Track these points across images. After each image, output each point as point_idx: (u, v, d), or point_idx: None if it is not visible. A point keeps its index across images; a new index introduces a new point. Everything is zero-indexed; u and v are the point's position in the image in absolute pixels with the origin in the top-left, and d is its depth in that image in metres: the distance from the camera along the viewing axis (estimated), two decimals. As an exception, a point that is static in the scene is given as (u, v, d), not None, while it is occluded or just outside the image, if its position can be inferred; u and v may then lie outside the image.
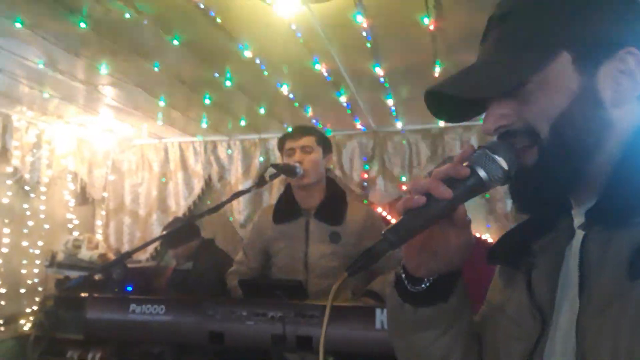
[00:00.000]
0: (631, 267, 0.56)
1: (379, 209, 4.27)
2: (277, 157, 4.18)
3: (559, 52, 0.64)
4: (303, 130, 2.30)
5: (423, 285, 0.75)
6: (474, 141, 4.12)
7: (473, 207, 4.22)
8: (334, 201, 2.20)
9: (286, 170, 2.07)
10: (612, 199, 0.62)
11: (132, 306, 1.82)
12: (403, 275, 0.78)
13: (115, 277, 2.51)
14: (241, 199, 4.52)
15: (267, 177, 2.01)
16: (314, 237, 2.16)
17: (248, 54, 2.76)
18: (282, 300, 1.75)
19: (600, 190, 0.64)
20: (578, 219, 0.69)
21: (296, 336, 1.66)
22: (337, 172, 4.33)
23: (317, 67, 2.97)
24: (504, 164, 0.67)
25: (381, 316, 1.66)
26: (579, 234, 0.67)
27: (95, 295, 1.88)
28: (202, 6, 2.28)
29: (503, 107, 0.68)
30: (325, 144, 2.32)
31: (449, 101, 0.73)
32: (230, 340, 1.71)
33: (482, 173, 0.67)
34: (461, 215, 0.70)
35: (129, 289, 3.19)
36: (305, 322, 1.68)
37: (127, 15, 2.30)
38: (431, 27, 2.48)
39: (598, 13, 0.64)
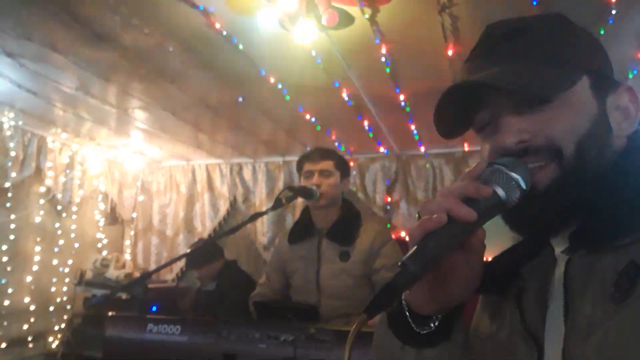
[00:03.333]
0: (615, 290, 0.56)
1: (402, 233, 4.25)
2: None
3: (581, 75, 0.64)
4: (322, 153, 2.33)
5: (432, 325, 0.66)
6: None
7: (501, 232, 4.12)
8: (347, 221, 2.20)
9: (303, 192, 2.09)
10: (594, 223, 0.62)
11: (150, 326, 1.85)
12: (407, 314, 0.68)
13: (136, 295, 2.56)
14: (265, 221, 4.58)
15: (283, 200, 2.04)
16: (325, 256, 2.17)
17: (270, 79, 2.83)
18: (294, 323, 1.76)
19: (582, 215, 0.64)
20: (559, 244, 0.68)
21: None
22: (360, 195, 4.34)
23: (338, 91, 3.01)
24: (522, 182, 0.62)
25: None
26: (562, 260, 0.66)
27: (114, 313, 1.92)
28: (224, 33, 2.36)
29: (522, 121, 0.64)
30: (343, 168, 2.34)
31: (452, 111, 0.70)
32: (243, 362, 1.72)
33: (500, 192, 0.61)
34: (480, 239, 0.63)
35: (154, 309, 3.25)
36: (317, 347, 1.68)
37: (153, 42, 2.39)
38: (449, 53, 2.50)
39: (600, 48, 0.68)
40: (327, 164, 2.27)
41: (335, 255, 2.13)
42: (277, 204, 2.03)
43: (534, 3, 2.07)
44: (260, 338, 1.74)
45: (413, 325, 0.67)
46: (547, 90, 0.63)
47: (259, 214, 2.15)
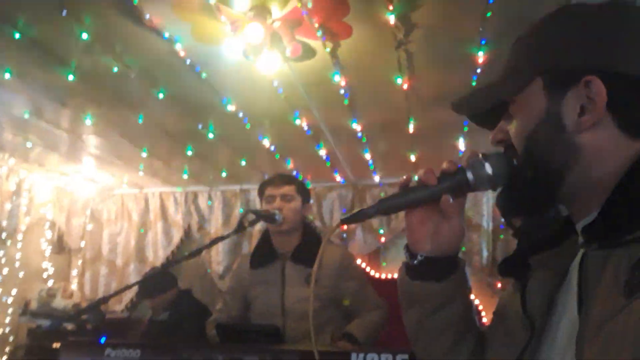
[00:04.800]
0: (627, 284, 0.57)
1: (358, 260, 4.31)
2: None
3: (533, 77, 0.70)
4: (284, 179, 2.37)
5: (419, 257, 0.82)
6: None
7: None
8: (310, 244, 2.24)
9: (265, 216, 2.12)
10: (607, 216, 0.63)
11: (108, 350, 1.81)
12: (405, 249, 0.86)
13: (90, 323, 2.47)
14: (220, 249, 4.54)
15: (246, 224, 2.06)
16: (290, 280, 2.18)
17: (231, 107, 2.88)
18: (258, 345, 1.77)
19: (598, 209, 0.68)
20: (580, 237, 0.72)
21: (271, 382, 1.67)
22: (317, 224, 4.39)
23: (298, 121, 3.09)
24: (489, 170, 0.75)
25: (356, 361, 1.69)
26: (580, 252, 0.70)
27: (71, 339, 1.87)
28: (188, 62, 2.40)
29: (504, 123, 0.76)
30: (304, 193, 2.39)
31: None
32: (205, 386, 1.71)
33: (469, 174, 0.76)
34: (445, 204, 0.78)
35: (103, 339, 3.14)
36: (281, 368, 1.69)
37: (115, 69, 2.40)
38: (405, 87, 2.63)
39: (568, 37, 0.69)
40: (289, 189, 2.31)
41: (300, 278, 2.15)
42: (240, 228, 2.04)
43: (482, 42, 2.23)
44: (223, 361, 1.73)
45: (406, 257, 0.85)
46: (493, 97, 0.76)
47: (221, 238, 2.15)
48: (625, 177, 0.64)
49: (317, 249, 2.32)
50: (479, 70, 2.43)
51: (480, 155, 0.76)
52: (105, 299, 2.00)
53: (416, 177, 0.82)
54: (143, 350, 1.78)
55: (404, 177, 0.83)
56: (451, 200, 0.78)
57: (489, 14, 2.04)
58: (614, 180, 0.64)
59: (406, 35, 2.22)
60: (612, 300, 0.57)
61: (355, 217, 0.82)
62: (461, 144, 3.41)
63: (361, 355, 1.70)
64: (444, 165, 0.79)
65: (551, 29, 0.72)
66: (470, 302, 0.88)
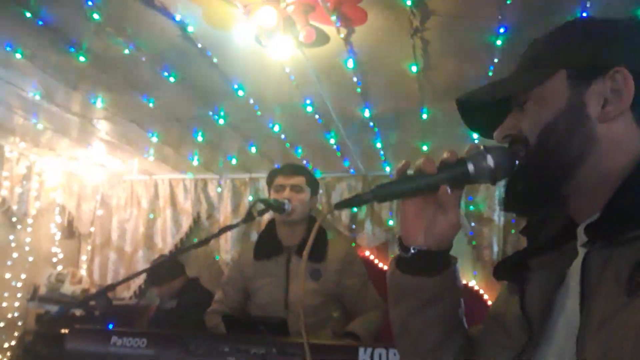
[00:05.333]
0: (629, 282, 0.57)
1: (367, 252, 4.28)
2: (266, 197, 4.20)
3: (558, 70, 0.70)
4: (295, 169, 2.33)
5: (412, 250, 0.82)
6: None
7: (460, 255, 4.21)
8: (316, 238, 2.20)
9: (275, 206, 2.08)
10: (610, 215, 0.64)
11: (114, 339, 1.79)
12: (398, 242, 0.85)
13: (98, 309, 2.46)
14: (228, 238, 4.53)
15: (255, 213, 2.02)
16: (295, 274, 2.15)
17: (242, 93, 2.84)
18: (264, 337, 1.74)
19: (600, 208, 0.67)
20: (581, 238, 0.71)
21: (277, 373, 1.64)
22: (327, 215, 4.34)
23: (309, 109, 3.05)
24: (491, 163, 0.75)
25: (364, 355, 1.66)
26: (582, 253, 0.68)
27: (77, 326, 1.85)
28: (199, 46, 2.36)
29: (512, 119, 0.76)
30: (314, 185, 2.35)
31: (480, 112, 0.81)
32: (211, 376, 1.69)
33: (470, 166, 0.76)
34: (443, 195, 0.78)
35: (110, 326, 3.13)
36: (287, 360, 1.66)
37: (126, 52, 2.37)
38: (419, 75, 2.57)
39: (593, 37, 0.71)
40: (299, 180, 2.27)
41: (306, 273, 2.12)
42: (249, 217, 2.01)
43: (501, 30, 2.16)
44: (229, 352, 1.71)
45: (398, 251, 0.84)
46: (512, 88, 0.76)
47: (229, 227, 2.12)
48: (630, 176, 0.65)
49: (322, 244, 2.29)
50: (496, 60, 2.37)
51: (482, 147, 0.76)
52: (112, 286, 1.99)
53: (415, 166, 0.81)
54: (149, 340, 1.77)
55: (402, 163, 0.81)
56: (450, 191, 0.78)
57: (509, 1, 1.97)
58: (622, 177, 0.65)
59: (422, 22, 2.15)
60: (614, 299, 0.57)
61: (350, 202, 0.81)
62: (474, 136, 3.34)
63: (369, 350, 1.67)
64: (444, 155, 0.79)
65: (574, 28, 0.74)
66: (460, 302, 0.87)
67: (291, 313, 2.10)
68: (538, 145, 0.70)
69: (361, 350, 1.66)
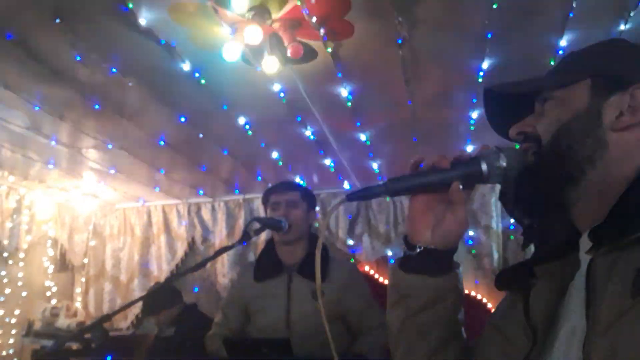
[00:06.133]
0: (634, 285, 0.57)
1: (366, 267, 4.23)
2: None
3: (584, 78, 0.74)
4: (288, 185, 2.31)
5: (418, 248, 0.82)
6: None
7: (460, 265, 4.18)
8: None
9: (271, 224, 2.04)
10: (615, 218, 0.65)
11: (113, 371, 1.73)
12: (403, 239, 0.86)
13: (94, 342, 2.37)
14: (225, 261, 4.46)
15: (251, 233, 1.98)
16: (296, 294, 2.10)
17: (232, 113, 2.82)
18: (268, 359, 1.69)
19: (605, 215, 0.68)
20: (583, 245, 0.71)
21: (283, 397, 1.59)
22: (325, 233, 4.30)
23: (300, 126, 3.03)
24: (504, 162, 0.76)
25: (370, 373, 1.61)
26: (586, 259, 0.68)
27: (77, 348, 1.79)
28: (186, 68, 2.34)
29: (531, 118, 0.78)
30: (309, 199, 2.32)
31: (503, 107, 0.83)
32: (215, 404, 1.63)
33: (483, 165, 0.77)
34: (454, 192, 0.79)
35: (109, 358, 3.05)
36: (293, 381, 1.61)
37: (113, 78, 2.34)
38: (409, 85, 2.56)
39: (623, 54, 0.76)
40: (294, 195, 2.24)
41: (307, 292, 2.07)
42: (246, 237, 1.97)
43: (488, 35, 2.16)
44: (232, 377, 1.65)
45: (404, 249, 0.85)
46: (534, 86, 0.78)
47: (226, 249, 2.07)
48: (635, 180, 0.67)
49: (324, 262, 2.24)
50: (485, 65, 2.37)
51: (495, 147, 0.78)
52: (108, 317, 1.92)
53: (427, 162, 0.82)
54: (149, 368, 1.70)
55: (415, 157, 0.82)
56: (461, 187, 0.78)
57: (495, 5, 1.97)
58: (627, 185, 0.67)
59: (409, 31, 2.15)
60: (620, 302, 0.58)
61: (362, 194, 0.82)
62: (469, 148, 3.33)
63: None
64: (457, 154, 0.80)
65: (609, 45, 0.79)
66: (461, 307, 0.86)
67: (293, 334, 2.04)
68: (550, 145, 0.73)
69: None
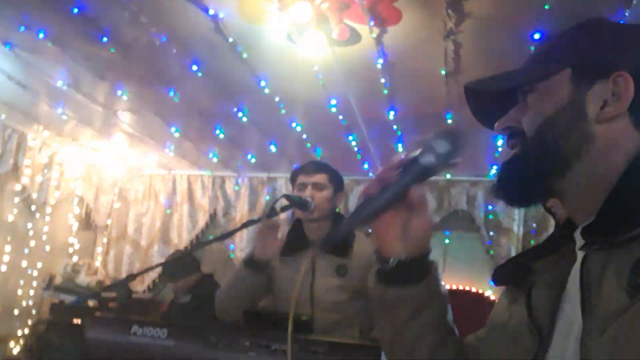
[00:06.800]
0: (629, 284, 0.57)
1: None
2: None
3: (563, 68, 0.71)
4: (316, 166, 2.31)
5: (392, 261, 0.80)
6: (480, 196, 4.15)
7: (477, 264, 4.19)
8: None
9: (298, 202, 2.06)
10: (606, 217, 0.64)
11: (134, 328, 1.77)
12: (375, 257, 0.84)
13: (118, 299, 2.46)
14: (244, 236, 4.51)
15: (278, 209, 2.00)
16: (320, 269, 2.12)
17: (268, 90, 2.83)
18: (286, 334, 1.71)
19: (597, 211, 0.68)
20: (579, 240, 0.71)
21: (298, 371, 1.61)
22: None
23: (333, 109, 3.03)
24: (447, 146, 0.76)
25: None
26: (580, 255, 0.68)
27: (98, 313, 1.85)
28: (230, 40, 2.36)
29: (514, 112, 0.76)
30: (337, 182, 2.32)
31: (487, 101, 0.81)
32: (231, 371, 1.66)
33: (428, 157, 0.76)
34: (413, 197, 0.77)
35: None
36: (309, 358, 1.63)
37: (157, 43, 2.37)
38: (448, 80, 2.54)
39: (602, 39, 0.72)
40: (321, 177, 2.24)
41: (331, 268, 2.09)
42: (272, 213, 2.00)
43: (539, 36, 2.13)
44: (250, 346, 1.68)
45: (379, 265, 0.83)
46: (516, 81, 0.76)
47: (251, 222, 2.11)
48: (624, 175, 0.65)
49: (348, 238, 2.24)
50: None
51: (431, 136, 0.78)
52: (133, 276, 1.97)
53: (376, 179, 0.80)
54: (170, 330, 1.75)
55: (364, 187, 0.81)
56: (417, 191, 0.77)
57: (547, 6, 1.94)
58: (616, 178, 0.65)
59: (457, 24, 2.13)
60: (616, 300, 0.57)
61: (333, 239, 0.84)
62: (499, 143, 3.31)
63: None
64: (397, 159, 0.79)
65: (586, 29, 0.75)
66: (448, 308, 0.86)
67: (316, 309, 2.07)
68: (535, 138, 0.71)
69: (384, 353, 1.62)
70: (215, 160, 4.31)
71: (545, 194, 0.75)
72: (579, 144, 0.68)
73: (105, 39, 2.41)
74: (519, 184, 0.74)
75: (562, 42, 0.75)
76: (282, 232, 2.09)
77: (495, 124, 0.78)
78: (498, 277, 0.82)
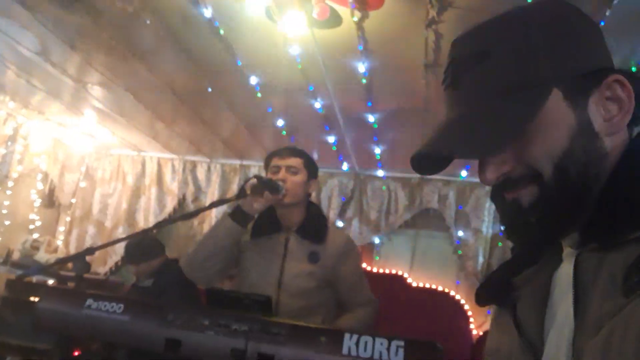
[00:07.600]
0: (624, 284, 0.56)
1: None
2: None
3: (550, 89, 0.62)
4: (291, 150, 2.27)
5: None
6: (452, 195, 4.16)
7: (444, 263, 4.21)
8: (317, 220, 2.15)
9: (269, 185, 2.01)
10: (603, 217, 0.61)
11: (89, 301, 1.70)
12: None
13: (75, 271, 2.36)
14: (213, 219, 4.43)
15: (248, 190, 1.95)
16: (292, 254, 2.08)
17: (245, 71, 2.77)
18: (247, 314, 1.67)
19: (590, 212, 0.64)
20: (567, 241, 0.68)
21: (258, 353, 1.56)
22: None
23: (311, 97, 2.99)
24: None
25: (349, 342, 1.59)
26: (570, 257, 0.66)
27: (52, 284, 1.76)
28: (208, 15, 2.29)
29: (507, 156, 0.65)
30: (311, 168, 2.28)
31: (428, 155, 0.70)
32: (188, 350, 1.60)
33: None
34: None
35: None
36: (270, 340, 1.59)
37: (130, 10, 2.29)
38: (427, 72, 2.52)
39: (579, 43, 0.64)
40: (296, 161, 2.20)
41: (303, 254, 2.05)
42: (242, 194, 1.95)
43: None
44: (209, 325, 1.63)
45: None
46: (515, 125, 0.62)
47: (221, 202, 2.06)
48: (616, 172, 0.62)
49: (323, 226, 2.21)
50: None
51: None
52: (92, 250, 1.90)
53: None
54: (126, 306, 1.68)
55: None
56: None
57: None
58: (611, 177, 0.63)
59: (439, 13, 2.11)
60: (610, 301, 0.56)
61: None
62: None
63: (355, 337, 1.61)
64: None
65: (549, 33, 0.63)
66: None
67: (283, 293, 2.03)
68: (557, 176, 0.62)
69: (347, 336, 1.59)
70: (187, 143, 4.22)
71: (575, 222, 0.65)
72: (598, 166, 0.63)
73: (76, 4, 2.31)
74: (553, 230, 0.65)
75: (541, 57, 0.63)
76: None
77: (488, 174, 0.66)
78: (480, 298, 0.78)
